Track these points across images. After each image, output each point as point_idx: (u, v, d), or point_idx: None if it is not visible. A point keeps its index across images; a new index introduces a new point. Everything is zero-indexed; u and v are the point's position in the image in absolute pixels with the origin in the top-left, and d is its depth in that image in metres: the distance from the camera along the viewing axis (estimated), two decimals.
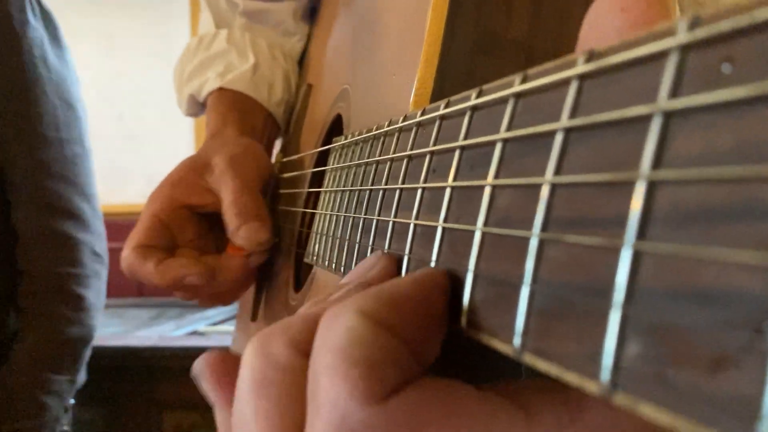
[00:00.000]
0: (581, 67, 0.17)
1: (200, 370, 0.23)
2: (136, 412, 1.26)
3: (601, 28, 0.22)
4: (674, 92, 0.13)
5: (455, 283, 0.21)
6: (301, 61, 0.75)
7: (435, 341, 0.20)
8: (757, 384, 0.10)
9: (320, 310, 0.22)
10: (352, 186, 0.36)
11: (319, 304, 0.23)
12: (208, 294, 0.56)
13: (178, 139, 2.18)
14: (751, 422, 0.10)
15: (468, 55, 0.35)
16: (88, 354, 0.99)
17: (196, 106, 0.73)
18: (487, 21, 0.35)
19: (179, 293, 0.55)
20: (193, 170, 0.56)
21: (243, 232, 0.50)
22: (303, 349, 0.20)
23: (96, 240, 1.00)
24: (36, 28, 0.94)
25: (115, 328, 1.39)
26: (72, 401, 1.00)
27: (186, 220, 0.55)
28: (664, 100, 0.13)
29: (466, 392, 0.17)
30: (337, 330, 0.18)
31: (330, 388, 0.17)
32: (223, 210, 0.52)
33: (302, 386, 0.19)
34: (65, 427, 0.99)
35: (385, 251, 0.28)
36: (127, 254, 0.52)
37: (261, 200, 0.53)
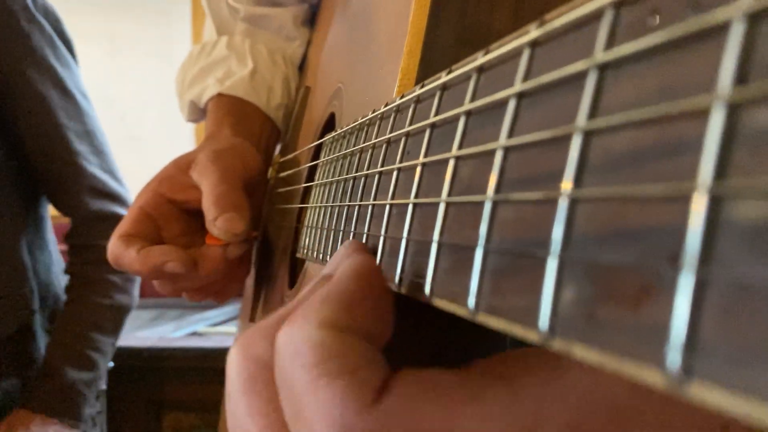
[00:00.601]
0: (533, 34, 0.17)
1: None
2: (135, 412, 1.27)
3: None
4: (608, 47, 0.14)
5: (422, 255, 0.21)
6: (302, 65, 0.76)
7: (387, 319, 0.20)
8: (668, 311, 0.10)
9: (290, 308, 0.22)
10: (339, 176, 0.37)
11: (290, 303, 0.23)
12: (192, 287, 0.56)
13: (179, 141, 2.20)
14: (661, 348, 0.10)
15: (451, 47, 0.36)
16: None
17: (197, 112, 0.74)
18: (471, 12, 0.36)
19: (162, 283, 0.55)
20: (179, 167, 0.57)
21: (219, 222, 0.50)
22: None
23: None
24: (42, 23, 0.97)
25: None
26: (111, 364, 1.08)
27: (172, 216, 0.56)
28: (600, 53, 0.14)
29: (446, 379, 0.18)
30: (304, 347, 0.18)
31: (319, 406, 0.17)
32: (203, 201, 0.53)
33: None
34: (103, 387, 1.09)
35: (363, 234, 0.28)
36: (112, 242, 0.53)
37: (241, 193, 0.53)
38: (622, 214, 0.12)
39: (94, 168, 1.03)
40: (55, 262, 1.08)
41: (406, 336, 0.25)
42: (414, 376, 0.18)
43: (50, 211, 1.09)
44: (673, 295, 0.10)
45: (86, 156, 1.02)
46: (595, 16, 0.14)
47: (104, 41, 2.27)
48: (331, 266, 0.26)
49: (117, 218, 1.04)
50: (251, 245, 0.57)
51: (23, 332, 0.98)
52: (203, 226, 0.54)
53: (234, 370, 0.21)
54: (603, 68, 0.14)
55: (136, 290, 1.08)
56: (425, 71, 0.35)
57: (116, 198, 1.06)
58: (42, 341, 1.02)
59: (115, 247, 0.53)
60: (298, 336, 0.19)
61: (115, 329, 1.05)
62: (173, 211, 0.56)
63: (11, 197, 0.97)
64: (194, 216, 0.56)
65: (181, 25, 2.24)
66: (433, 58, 0.35)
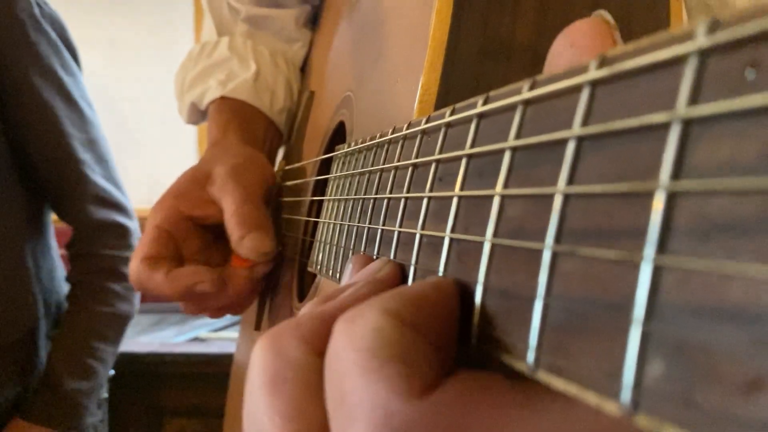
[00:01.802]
0: (593, 73, 0.16)
1: None
2: (136, 419, 1.26)
3: (557, 64, 0.23)
4: (694, 98, 0.13)
5: (463, 296, 0.20)
6: (304, 67, 0.75)
7: (453, 346, 0.19)
8: None
9: (330, 308, 0.21)
10: (355, 195, 0.36)
11: (328, 303, 0.22)
12: (218, 306, 0.55)
13: (180, 145, 2.18)
14: None
15: (473, 61, 0.35)
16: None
17: (198, 114, 0.73)
18: (493, 25, 0.35)
19: (188, 304, 0.54)
20: (195, 182, 0.55)
21: (247, 242, 0.49)
22: (315, 347, 0.20)
23: (138, 227, 1.09)
24: (49, 32, 0.96)
25: None
26: (112, 372, 1.08)
27: (190, 232, 0.55)
28: (683, 107, 0.13)
29: (500, 381, 0.17)
30: (361, 331, 0.17)
31: (365, 388, 0.16)
32: (226, 221, 0.52)
33: (317, 385, 0.19)
34: (105, 395, 1.09)
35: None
36: (135, 266, 0.52)
37: (264, 210, 0.53)
38: (722, 289, 0.11)
39: (97, 177, 1.03)
40: (57, 268, 1.08)
41: None
42: (469, 374, 0.17)
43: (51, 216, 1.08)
44: None
45: (90, 165, 1.02)
46: (676, 62, 0.13)
47: (105, 46, 2.24)
48: (363, 274, 0.25)
49: (119, 227, 1.04)
50: (276, 261, 0.56)
51: (27, 339, 0.98)
52: (220, 241, 0.53)
53: (258, 365, 0.20)
54: (688, 122, 0.13)
55: (137, 299, 1.08)
56: (446, 86, 0.34)
57: (119, 207, 1.06)
58: (44, 349, 1.01)
59: (139, 272, 0.51)
60: (358, 321, 0.18)
61: (117, 338, 1.05)
62: (191, 228, 0.55)
63: (15, 203, 0.97)
64: (211, 231, 0.55)
65: (183, 30, 2.21)
66: (454, 72, 0.34)
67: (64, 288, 1.07)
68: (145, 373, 1.25)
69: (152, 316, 1.63)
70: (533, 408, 0.16)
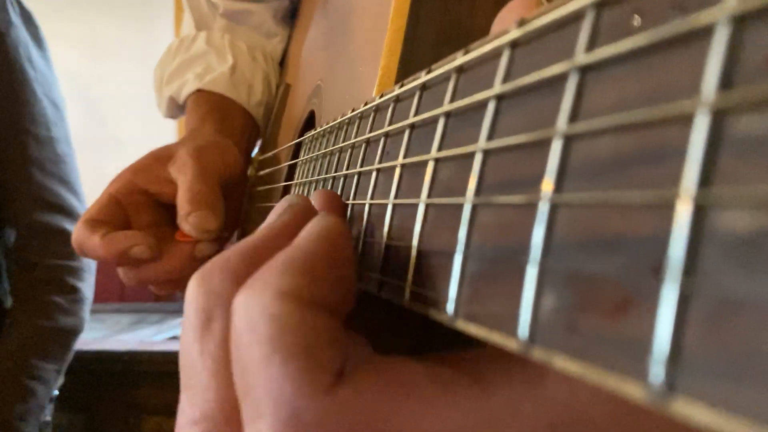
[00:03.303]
0: (513, 34, 0.17)
1: None
2: (114, 417, 1.25)
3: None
4: (590, 49, 0.13)
5: (402, 259, 0.21)
6: (283, 61, 0.75)
7: (351, 288, 0.19)
8: (650, 323, 0.10)
9: (256, 240, 0.20)
10: (318, 177, 0.36)
11: (257, 233, 0.21)
12: (158, 279, 0.55)
13: (161, 143, 2.16)
14: (643, 361, 0.10)
15: (432, 45, 0.35)
16: (74, 346, 0.99)
17: (176, 109, 0.73)
18: (452, 10, 0.35)
19: (127, 272, 0.54)
20: (157, 159, 0.56)
21: (192, 219, 0.50)
22: (244, 281, 0.19)
23: None
24: (19, 27, 0.94)
25: (95, 332, 1.37)
26: (56, 392, 0.99)
27: (143, 206, 0.55)
28: (579, 56, 0.13)
29: (414, 371, 0.17)
30: (260, 318, 0.17)
31: (270, 385, 0.16)
32: (178, 196, 0.52)
33: None
34: (48, 418, 0.98)
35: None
36: (76, 227, 0.52)
37: (217, 192, 0.53)
38: (604, 221, 0.12)
39: (47, 178, 0.96)
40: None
41: (386, 326, 0.25)
42: (377, 365, 0.17)
43: None
44: (656, 308, 0.10)
45: (41, 164, 0.95)
46: (576, 17, 0.14)
47: (85, 43, 2.22)
48: (298, 208, 0.23)
49: (65, 235, 0.96)
50: (221, 246, 0.56)
51: None
52: (173, 220, 0.53)
53: (191, 304, 0.19)
54: (584, 71, 0.13)
55: (84, 312, 1.00)
56: (406, 70, 0.35)
57: (68, 212, 0.98)
58: None
59: (79, 232, 0.51)
60: (254, 305, 0.17)
61: (61, 354, 0.96)
62: (144, 201, 0.55)
63: None
64: (165, 209, 0.55)
65: (164, 27, 2.20)
66: (413, 56, 0.35)
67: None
68: (123, 371, 1.24)
69: (132, 315, 1.62)
70: (448, 401, 0.16)
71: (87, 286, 1.01)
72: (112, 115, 2.24)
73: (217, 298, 0.19)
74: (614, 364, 0.11)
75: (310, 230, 0.19)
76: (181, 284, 0.58)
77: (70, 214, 0.98)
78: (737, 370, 0.09)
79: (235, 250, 0.20)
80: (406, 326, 0.25)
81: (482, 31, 0.36)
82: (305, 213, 0.22)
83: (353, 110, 0.32)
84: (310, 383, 0.16)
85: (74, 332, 0.98)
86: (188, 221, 0.50)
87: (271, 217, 0.22)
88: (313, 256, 0.18)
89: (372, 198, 0.25)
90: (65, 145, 1.01)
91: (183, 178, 0.52)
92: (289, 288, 0.17)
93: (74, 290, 0.98)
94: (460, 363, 0.17)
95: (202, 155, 0.54)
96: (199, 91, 0.68)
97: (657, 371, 0.10)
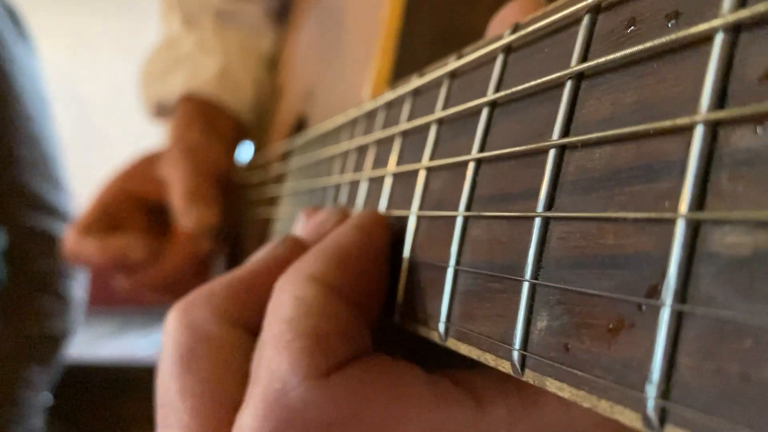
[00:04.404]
0: (507, 39, 0.17)
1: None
2: (99, 428, 1.25)
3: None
4: (584, 56, 0.13)
5: (392, 274, 0.21)
6: (274, 62, 0.75)
7: (381, 288, 0.19)
8: (648, 347, 0.10)
9: (244, 272, 0.20)
10: (310, 184, 0.36)
11: (250, 266, 0.21)
12: (155, 282, 0.54)
13: (148, 141, 2.16)
14: (641, 387, 0.10)
15: (427, 46, 0.35)
16: (64, 350, 0.99)
17: (162, 110, 0.73)
18: (448, 10, 0.35)
19: (124, 279, 0.54)
20: (147, 161, 0.56)
21: (193, 213, 0.50)
22: (230, 316, 0.19)
23: None
24: (2, 21, 0.94)
25: (79, 337, 1.37)
26: (49, 395, 0.99)
27: (135, 210, 0.55)
28: (574, 64, 0.13)
29: (414, 375, 0.17)
30: (286, 299, 0.17)
31: (271, 361, 0.16)
32: (172, 192, 0.52)
33: (234, 360, 0.18)
34: (37, 425, 0.98)
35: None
36: (68, 236, 0.52)
37: (213, 187, 0.53)
38: (599, 238, 0.12)
39: (33, 178, 0.95)
40: None
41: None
42: (380, 361, 0.17)
43: None
44: (652, 330, 0.10)
45: (26, 164, 0.94)
46: (572, 23, 0.14)
47: (70, 38, 2.22)
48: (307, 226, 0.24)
49: (52, 237, 0.95)
50: (218, 249, 0.56)
51: None
52: (164, 224, 0.53)
53: (170, 339, 0.19)
54: (579, 78, 0.13)
55: (74, 314, 0.99)
56: (400, 72, 0.35)
57: (55, 212, 0.97)
58: None
59: (72, 241, 0.52)
60: (285, 286, 0.18)
61: (50, 359, 0.95)
62: (134, 206, 0.55)
63: None
64: (155, 214, 0.56)
65: (150, 21, 2.20)
66: (408, 58, 0.35)
67: None
68: (108, 382, 1.24)
69: (116, 319, 1.61)
70: (442, 411, 0.16)
71: (77, 287, 1.00)
72: (98, 111, 2.23)
73: (199, 333, 0.19)
74: (608, 390, 0.11)
75: (351, 219, 0.20)
76: (177, 290, 0.58)
77: (60, 214, 0.97)
78: (729, 399, 0.09)
79: (220, 282, 0.20)
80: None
81: (479, 31, 0.36)
82: (299, 248, 0.22)
83: (345, 115, 0.32)
84: (308, 365, 0.16)
85: (65, 335, 0.98)
86: (189, 216, 0.50)
87: (264, 250, 0.22)
88: (347, 245, 0.19)
89: (364, 208, 0.25)
90: (53, 142, 1.00)
91: (175, 175, 0.52)
92: (320, 272, 0.18)
93: (64, 293, 0.97)
94: (461, 378, 0.17)
95: (192, 154, 0.54)
96: (188, 93, 0.68)
97: (650, 398, 0.10)
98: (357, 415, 0.16)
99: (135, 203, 0.55)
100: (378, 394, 0.16)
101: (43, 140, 0.98)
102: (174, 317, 0.19)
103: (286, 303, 0.17)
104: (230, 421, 0.17)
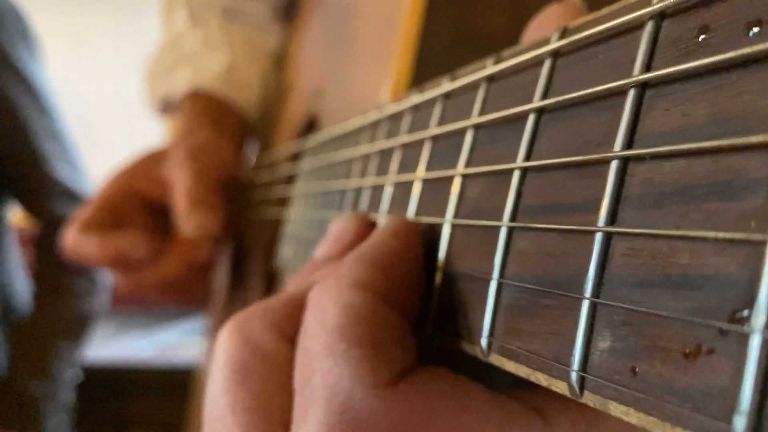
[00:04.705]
0: (554, 44, 0.16)
1: None
2: (99, 429, 1.25)
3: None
4: (649, 64, 0.13)
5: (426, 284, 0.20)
6: (280, 60, 0.75)
7: (419, 290, 0.19)
8: (734, 375, 0.10)
9: (304, 289, 0.20)
10: (325, 186, 0.36)
11: (303, 283, 0.21)
12: (156, 281, 0.54)
13: (148, 142, 2.15)
14: (728, 417, 0.09)
15: (446, 48, 0.35)
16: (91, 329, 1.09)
17: (168, 107, 0.72)
18: (468, 11, 0.35)
19: (124, 277, 0.53)
20: (151, 161, 0.56)
21: (194, 219, 0.49)
22: (286, 332, 0.19)
23: None
24: (8, 23, 0.97)
25: None
26: (79, 371, 1.09)
27: (137, 208, 0.55)
28: (638, 73, 0.13)
29: (479, 390, 0.17)
30: (332, 307, 0.17)
31: (329, 372, 0.16)
32: (175, 195, 0.51)
33: (286, 376, 0.18)
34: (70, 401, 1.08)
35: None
36: (69, 232, 0.52)
37: (217, 192, 0.52)
38: (670, 257, 0.11)
39: (61, 170, 1.04)
40: (16, 272, 1.07)
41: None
42: (444, 373, 0.17)
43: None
44: (740, 357, 0.10)
45: (54, 158, 1.03)
46: (633, 29, 0.14)
47: (71, 38, 2.21)
48: (328, 244, 0.24)
49: None
50: (221, 249, 0.56)
51: None
52: (165, 224, 0.53)
53: (223, 353, 0.19)
54: (643, 88, 0.13)
55: (104, 294, 1.08)
56: (419, 74, 0.34)
57: (81, 198, 1.05)
58: (3, 351, 1.00)
59: (73, 237, 0.51)
60: (326, 295, 0.17)
61: (81, 335, 1.06)
62: (138, 204, 0.55)
63: None
64: (156, 213, 0.55)
65: (150, 21, 2.19)
66: (427, 60, 0.34)
67: (24, 289, 1.06)
68: (109, 383, 1.25)
69: (116, 320, 1.61)
70: (509, 428, 0.16)
71: (104, 271, 1.07)
72: (98, 112, 2.23)
73: (254, 349, 0.18)
74: (682, 417, 0.10)
75: (384, 227, 0.20)
76: (178, 291, 0.58)
77: (84, 200, 1.05)
78: None
79: (279, 298, 0.20)
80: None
81: (499, 33, 0.36)
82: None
83: (364, 117, 0.32)
84: (373, 372, 0.15)
85: (94, 315, 1.07)
86: (191, 220, 0.49)
87: (322, 247, 0.22)
88: (386, 250, 0.18)
89: (389, 213, 0.25)
90: (68, 133, 1.07)
91: (179, 178, 0.52)
92: (363, 279, 0.17)
93: (94, 276, 1.07)
94: (523, 395, 0.17)
95: (198, 155, 0.54)
96: (194, 91, 0.67)
97: (741, 429, 0.09)
98: (429, 425, 0.15)
99: (137, 201, 0.55)
100: (448, 406, 0.16)
101: (63, 131, 1.06)
102: (229, 331, 0.19)
103: (332, 311, 0.17)
104: None
